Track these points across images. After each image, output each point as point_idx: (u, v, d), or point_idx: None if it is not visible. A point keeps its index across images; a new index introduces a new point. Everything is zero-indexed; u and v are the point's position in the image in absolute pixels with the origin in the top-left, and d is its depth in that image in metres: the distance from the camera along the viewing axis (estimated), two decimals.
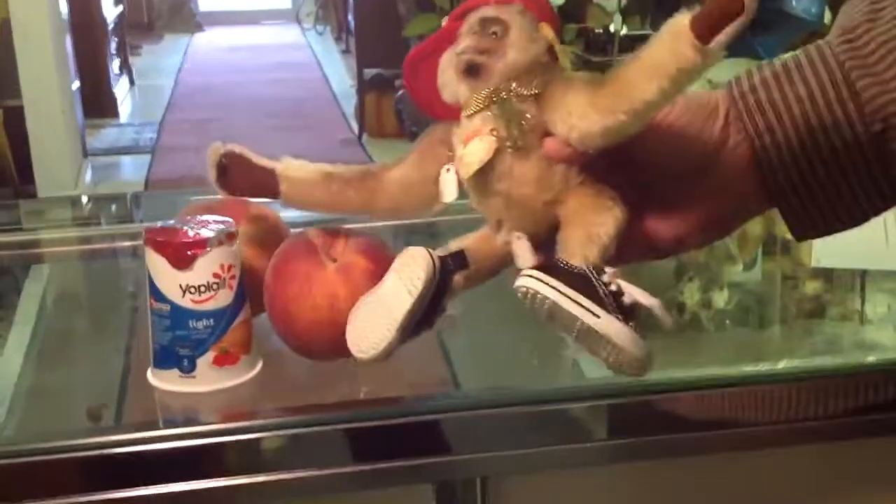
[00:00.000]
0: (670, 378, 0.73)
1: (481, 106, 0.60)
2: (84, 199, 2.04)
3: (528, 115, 0.59)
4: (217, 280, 0.68)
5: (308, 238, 0.72)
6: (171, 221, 0.71)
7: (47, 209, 1.37)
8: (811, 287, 0.97)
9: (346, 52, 6.33)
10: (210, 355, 0.69)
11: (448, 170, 0.62)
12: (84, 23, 4.34)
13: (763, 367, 0.81)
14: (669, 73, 0.54)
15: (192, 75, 6.21)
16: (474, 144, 0.59)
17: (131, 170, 4.07)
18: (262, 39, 7.57)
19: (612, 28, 2.77)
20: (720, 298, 0.95)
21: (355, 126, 4.50)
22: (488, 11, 0.60)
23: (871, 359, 0.83)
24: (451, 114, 0.63)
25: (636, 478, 0.76)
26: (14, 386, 0.78)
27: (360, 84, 4.47)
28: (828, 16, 2.30)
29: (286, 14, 8.38)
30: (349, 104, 4.87)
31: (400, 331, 0.61)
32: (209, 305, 0.68)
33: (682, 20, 0.54)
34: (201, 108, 5.17)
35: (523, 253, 0.60)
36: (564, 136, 0.58)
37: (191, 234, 0.68)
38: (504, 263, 0.63)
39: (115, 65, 5.02)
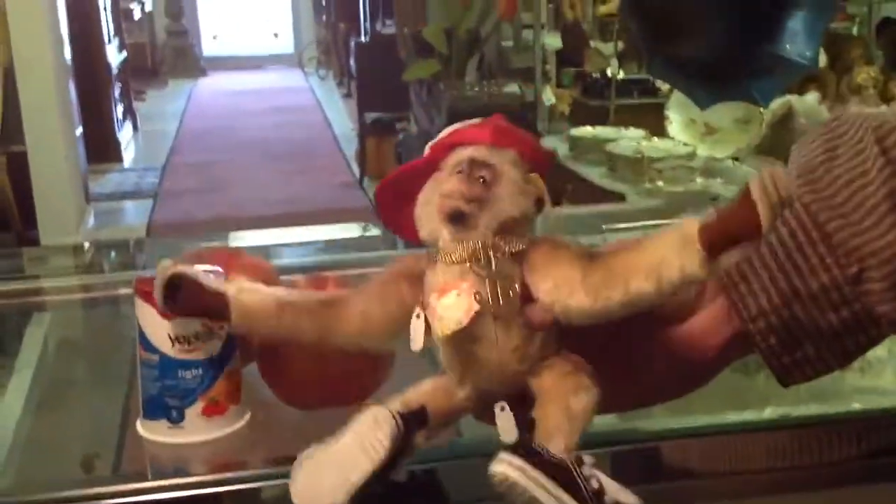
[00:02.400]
0: (657, 427, 0.73)
1: (464, 258, 0.56)
2: (86, 245, 2.04)
3: (516, 286, 0.56)
4: (206, 330, 0.68)
5: (297, 287, 0.73)
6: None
7: (49, 256, 1.37)
8: None
9: (347, 96, 6.39)
10: (199, 405, 0.69)
11: (418, 316, 0.58)
12: (88, 69, 4.38)
13: (750, 415, 0.81)
14: (671, 277, 0.53)
15: (195, 119, 6.26)
16: (452, 301, 0.57)
17: (134, 215, 4.10)
18: (265, 84, 7.64)
19: (608, 72, 2.81)
20: None
21: (356, 169, 4.52)
22: (480, 154, 0.57)
23: (863, 406, 0.83)
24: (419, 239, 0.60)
25: None
26: (13, 434, 0.77)
27: (360, 128, 4.50)
28: (822, 59, 2.32)
29: (289, 59, 8.46)
30: (350, 147, 4.90)
31: (352, 495, 0.57)
32: (198, 355, 0.68)
33: (692, 226, 0.52)
34: (204, 152, 5.20)
35: (508, 426, 0.58)
36: (548, 306, 0.56)
37: None
38: (459, 416, 0.61)
39: (119, 110, 5.06)
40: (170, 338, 0.68)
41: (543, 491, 0.55)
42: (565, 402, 0.57)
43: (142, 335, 0.68)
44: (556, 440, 0.56)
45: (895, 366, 0.93)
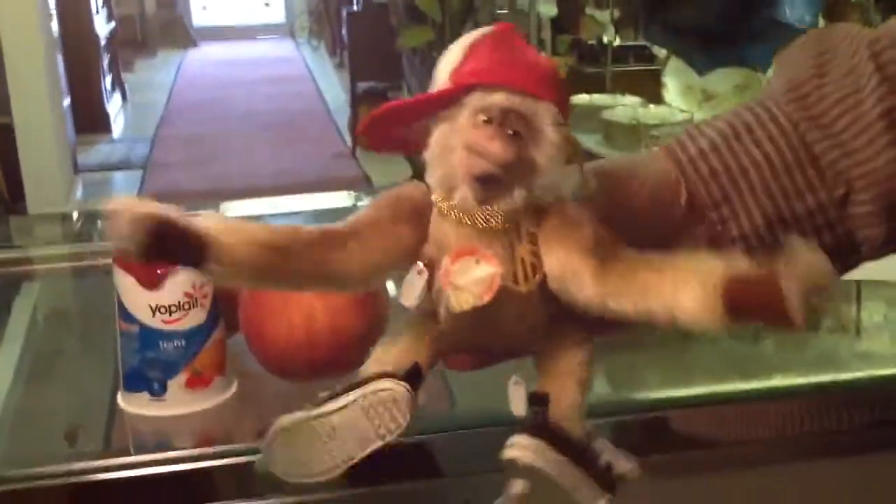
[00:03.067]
0: (661, 396, 0.71)
1: (488, 226, 0.50)
2: (75, 214, 2.02)
3: (542, 268, 0.51)
4: (189, 299, 0.66)
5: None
6: None
7: (37, 226, 1.37)
8: None
9: (340, 65, 6.34)
10: (182, 377, 0.67)
11: (420, 272, 0.52)
12: (76, 40, 4.35)
13: (755, 383, 0.79)
14: (682, 320, 0.49)
15: (185, 90, 6.22)
16: (471, 271, 0.50)
17: (123, 186, 4.06)
18: (256, 54, 7.58)
19: (605, 39, 2.78)
20: None
21: (349, 139, 4.49)
22: (517, 104, 0.48)
23: (867, 372, 0.81)
24: (408, 148, 0.53)
25: (642, 497, 0.74)
26: (2, 406, 0.76)
27: (353, 97, 4.47)
28: (821, 23, 2.29)
29: (280, 29, 8.40)
30: (343, 117, 4.87)
31: (348, 469, 0.55)
32: (181, 325, 0.66)
33: (717, 272, 0.48)
34: (194, 123, 5.16)
35: (520, 400, 0.55)
36: (552, 291, 0.51)
37: None
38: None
39: (107, 81, 5.02)
40: (150, 308, 0.66)
41: (562, 472, 0.53)
42: (578, 375, 0.54)
43: (121, 305, 0.66)
44: (575, 419, 0.53)
45: (892, 331, 0.92)
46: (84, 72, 4.47)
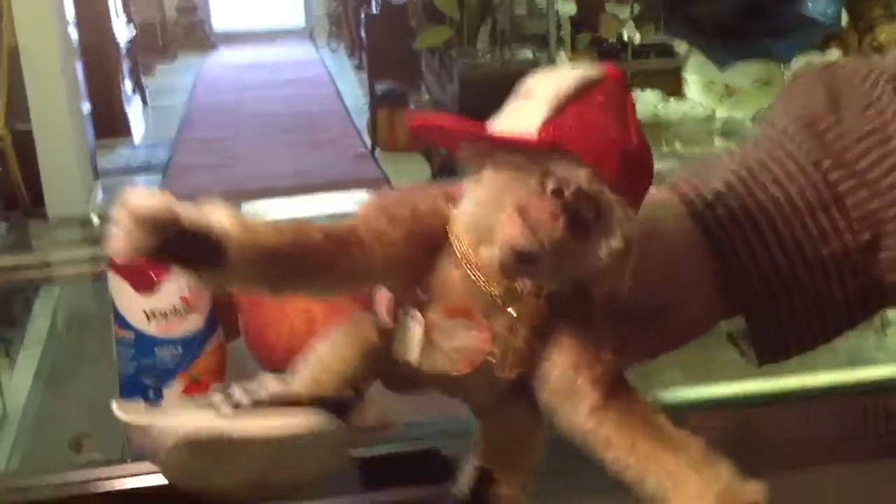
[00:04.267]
0: (678, 397, 0.69)
1: (498, 303, 0.44)
2: (94, 219, 2.03)
3: (531, 365, 0.45)
4: (185, 304, 0.64)
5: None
6: None
7: (57, 230, 1.37)
8: None
9: (359, 67, 6.34)
10: (178, 384, 0.65)
11: (419, 322, 0.46)
12: (96, 45, 4.37)
13: (779, 383, 0.77)
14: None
15: (205, 94, 6.23)
16: (461, 341, 0.45)
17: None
18: (276, 58, 7.59)
19: (625, 36, 2.75)
20: None
21: (368, 140, 4.49)
22: (600, 192, 0.41)
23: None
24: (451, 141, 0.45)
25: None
26: (22, 411, 0.76)
27: (372, 98, 4.46)
28: (844, 17, 2.26)
29: (300, 32, 8.41)
30: (362, 119, 4.87)
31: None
32: (177, 332, 0.64)
33: (718, 482, 0.43)
34: (214, 127, 5.17)
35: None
36: (541, 396, 0.46)
37: None
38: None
39: (128, 86, 5.03)
40: (145, 314, 0.64)
41: None
42: (533, 456, 0.49)
43: (116, 311, 0.65)
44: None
45: None
46: (104, 77, 4.49)
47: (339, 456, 0.47)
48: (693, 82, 2.33)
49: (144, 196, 0.42)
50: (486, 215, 0.43)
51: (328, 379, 0.48)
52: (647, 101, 2.33)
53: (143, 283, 0.63)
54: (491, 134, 0.43)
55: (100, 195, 3.73)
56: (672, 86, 2.40)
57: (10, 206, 3.07)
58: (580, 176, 0.41)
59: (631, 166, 0.43)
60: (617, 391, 0.45)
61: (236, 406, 0.45)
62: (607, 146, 0.42)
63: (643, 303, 0.48)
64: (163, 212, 0.42)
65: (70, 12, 3.56)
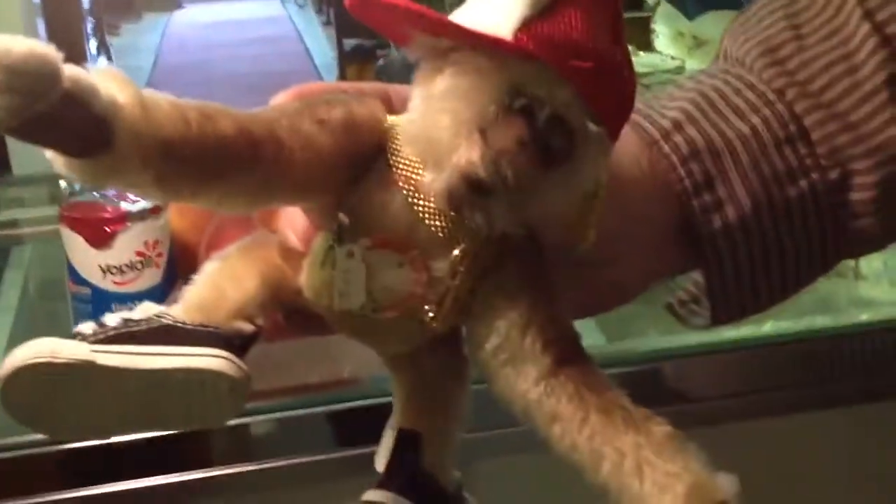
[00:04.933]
0: (650, 347, 0.69)
1: (444, 237, 0.37)
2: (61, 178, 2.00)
3: (469, 316, 0.37)
4: (141, 258, 0.64)
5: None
6: (94, 194, 0.66)
7: (24, 189, 1.35)
8: None
9: (327, 23, 6.25)
10: None
11: (350, 254, 0.39)
12: (58, 4, 4.28)
13: (747, 331, 0.77)
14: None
15: (171, 53, 6.13)
16: (388, 279, 0.37)
17: None
18: (243, 15, 7.46)
19: None
20: None
21: None
22: (578, 117, 0.34)
23: (865, 317, 0.79)
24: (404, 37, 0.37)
25: None
26: None
27: (340, 55, 4.41)
28: None
29: None
30: (331, 76, 4.81)
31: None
32: (134, 287, 0.64)
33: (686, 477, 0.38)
34: (181, 87, 5.10)
35: (385, 447, 0.42)
36: (478, 355, 0.39)
37: (109, 208, 0.63)
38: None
39: (92, 45, 4.95)
40: (100, 269, 0.63)
41: None
42: (460, 413, 0.43)
43: (70, 267, 0.64)
44: (450, 469, 0.44)
45: (891, 277, 0.90)
46: (68, 36, 4.41)
47: (230, 405, 0.40)
48: (662, 33, 2.33)
49: (14, 40, 0.31)
50: (437, 130, 0.36)
51: (218, 305, 0.40)
52: None
53: (98, 238, 0.62)
54: (455, 25, 0.36)
55: None
56: (641, 38, 2.39)
57: None
58: (558, 96, 0.35)
59: (616, 90, 0.36)
60: (570, 357, 0.39)
61: (110, 335, 0.37)
62: (595, 63, 0.35)
63: (586, 255, 0.43)
64: (42, 61, 0.31)
65: None
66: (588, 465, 0.38)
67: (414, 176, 0.38)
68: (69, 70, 0.32)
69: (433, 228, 0.38)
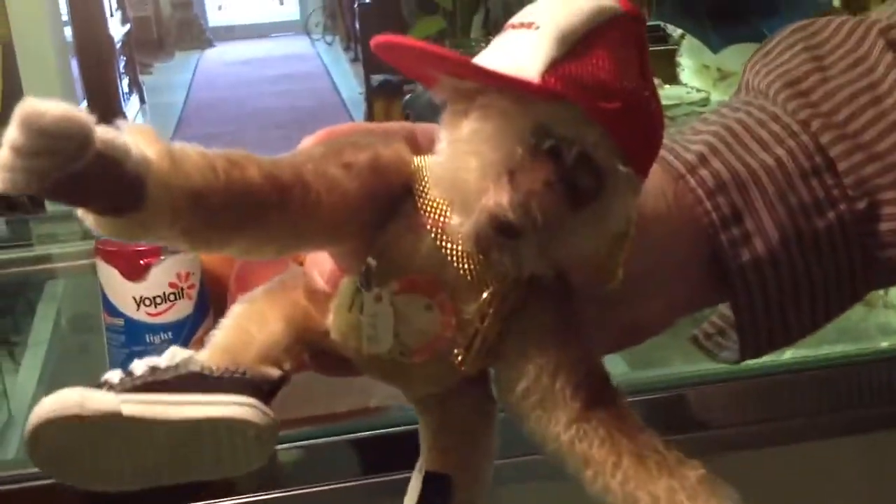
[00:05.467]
0: (672, 374, 0.69)
1: (472, 280, 0.36)
2: None
3: (496, 358, 0.37)
4: (174, 290, 0.65)
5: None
6: None
7: (57, 225, 1.36)
8: None
9: (355, 60, 6.32)
10: None
11: (378, 298, 0.37)
12: (91, 43, 4.35)
13: (768, 358, 0.77)
14: None
15: (202, 91, 6.22)
16: (417, 322, 0.37)
17: None
18: (272, 52, 7.58)
19: None
20: None
21: None
22: (607, 157, 0.34)
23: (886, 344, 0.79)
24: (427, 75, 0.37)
25: None
26: (26, 412, 0.75)
27: (368, 91, 4.45)
28: None
29: (295, 26, 8.38)
30: (359, 112, 4.86)
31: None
32: (166, 318, 0.65)
33: None
34: (212, 123, 5.17)
35: (414, 489, 0.42)
36: (507, 400, 0.38)
37: (143, 241, 0.65)
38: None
39: (124, 83, 5.02)
40: (134, 300, 0.64)
41: None
42: (490, 449, 0.42)
43: (105, 298, 0.65)
44: None
45: None
46: (100, 75, 4.48)
47: (258, 452, 0.38)
48: (687, 66, 2.33)
49: (47, 104, 0.30)
50: (464, 172, 0.35)
51: (245, 348, 0.39)
52: None
53: (133, 270, 0.64)
54: (480, 67, 0.34)
55: None
56: (666, 71, 2.39)
57: (10, 205, 3.07)
58: (586, 136, 0.34)
59: (645, 128, 0.35)
60: (601, 399, 0.37)
61: (137, 384, 0.37)
62: (623, 102, 0.34)
63: (613, 293, 0.41)
64: (74, 124, 0.30)
65: (64, 10, 3.56)
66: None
67: (441, 219, 0.37)
68: (101, 132, 0.32)
69: (462, 271, 0.37)
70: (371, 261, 0.37)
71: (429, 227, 0.37)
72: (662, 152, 0.47)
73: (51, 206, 3.30)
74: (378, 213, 0.37)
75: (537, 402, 0.37)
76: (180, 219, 0.34)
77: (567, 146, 0.33)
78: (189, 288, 0.66)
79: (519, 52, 0.34)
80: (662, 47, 2.67)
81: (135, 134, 0.33)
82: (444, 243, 0.36)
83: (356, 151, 0.37)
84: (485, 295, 0.37)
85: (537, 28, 0.35)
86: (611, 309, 0.43)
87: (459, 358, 0.37)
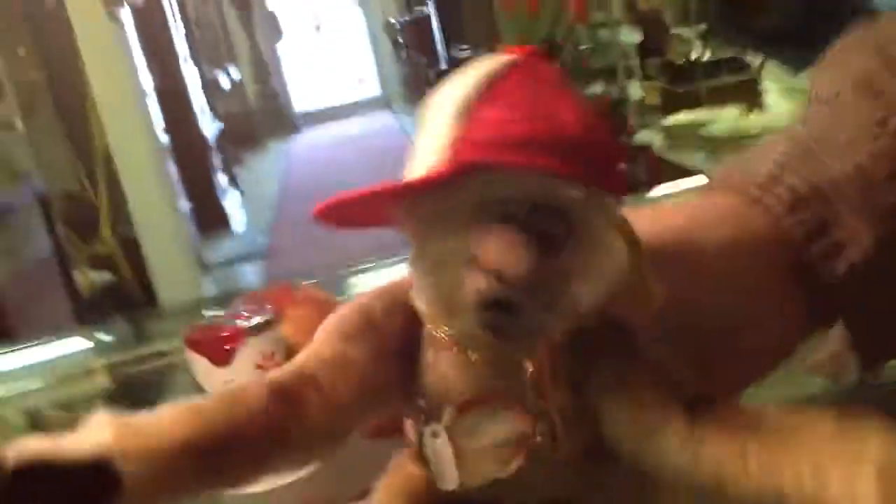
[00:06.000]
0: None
1: (510, 364, 0.35)
2: (204, 312, 2.08)
3: (587, 421, 0.36)
4: (261, 370, 0.66)
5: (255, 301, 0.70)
6: (211, 315, 0.70)
7: (172, 324, 1.41)
8: None
9: None
10: None
11: (435, 434, 0.36)
12: (186, 144, 4.50)
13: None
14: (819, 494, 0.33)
15: (296, 177, 6.38)
16: (494, 433, 0.35)
17: (251, 278, 4.17)
18: (358, 131, 7.73)
19: (692, 56, 2.72)
20: None
21: None
22: (551, 191, 0.32)
23: None
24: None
25: None
26: None
27: None
28: None
29: (377, 102, 8.54)
30: None
31: None
32: None
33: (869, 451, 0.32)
34: (308, 207, 5.28)
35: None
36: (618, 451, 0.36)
37: (227, 327, 0.66)
38: None
39: (222, 178, 5.17)
40: (224, 385, 0.66)
41: None
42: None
43: (199, 388, 0.67)
44: None
45: None
46: (197, 174, 4.63)
47: None
48: (773, 90, 2.30)
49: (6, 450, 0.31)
50: (438, 284, 0.34)
51: None
52: (726, 118, 2.30)
53: (219, 356, 0.65)
54: (394, 184, 0.35)
55: (209, 288, 3.84)
56: (750, 99, 2.36)
57: (125, 308, 3.18)
58: (526, 186, 0.32)
59: (583, 149, 0.33)
60: (695, 406, 0.36)
61: None
62: (534, 135, 0.32)
63: (712, 326, 0.40)
64: (27, 457, 0.30)
65: (157, 116, 3.70)
66: (768, 489, 0.34)
67: (451, 331, 0.36)
68: (58, 447, 0.32)
69: (495, 368, 0.35)
70: (420, 401, 0.36)
71: (449, 344, 0.36)
72: (727, 175, 0.46)
73: (164, 308, 3.39)
74: (398, 359, 0.37)
75: (642, 436, 0.36)
76: (170, 481, 0.33)
77: (516, 203, 0.32)
78: (275, 366, 0.67)
79: (431, 144, 0.35)
80: (744, 77, 2.64)
81: (92, 425, 0.33)
82: (464, 353, 0.35)
83: (349, 322, 0.37)
84: (530, 369, 0.35)
85: (440, 113, 0.35)
86: (717, 340, 0.41)
87: (550, 441, 0.36)
